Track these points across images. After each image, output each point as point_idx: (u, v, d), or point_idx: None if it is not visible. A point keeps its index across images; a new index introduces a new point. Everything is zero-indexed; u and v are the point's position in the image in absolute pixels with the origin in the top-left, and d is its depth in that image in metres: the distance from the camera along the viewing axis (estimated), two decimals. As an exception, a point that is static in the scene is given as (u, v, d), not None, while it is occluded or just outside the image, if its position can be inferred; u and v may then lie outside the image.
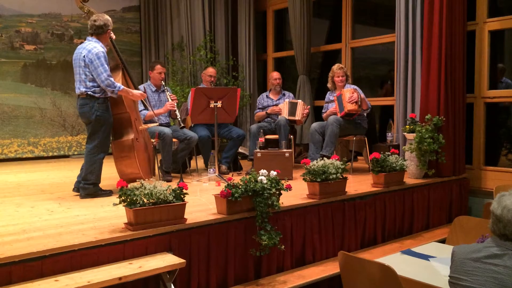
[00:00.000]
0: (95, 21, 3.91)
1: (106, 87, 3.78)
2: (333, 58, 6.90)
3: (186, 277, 2.86)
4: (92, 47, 3.81)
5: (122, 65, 4.27)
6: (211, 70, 5.55)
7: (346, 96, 4.95)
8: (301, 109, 5.47)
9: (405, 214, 4.33)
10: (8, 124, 6.81)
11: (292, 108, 5.51)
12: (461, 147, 4.94)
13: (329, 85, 5.42)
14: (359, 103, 4.93)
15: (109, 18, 3.99)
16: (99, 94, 3.83)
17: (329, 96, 5.50)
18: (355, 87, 5.15)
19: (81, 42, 3.99)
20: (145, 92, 4.70)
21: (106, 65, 3.79)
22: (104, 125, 3.87)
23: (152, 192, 2.78)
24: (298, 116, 5.45)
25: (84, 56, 3.80)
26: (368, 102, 5.11)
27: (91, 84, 3.81)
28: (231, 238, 3.07)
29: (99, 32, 3.92)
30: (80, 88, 3.84)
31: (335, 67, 5.32)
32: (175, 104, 4.96)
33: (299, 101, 5.57)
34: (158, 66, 5.10)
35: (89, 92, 3.81)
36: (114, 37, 4.13)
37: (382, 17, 6.70)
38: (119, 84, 3.85)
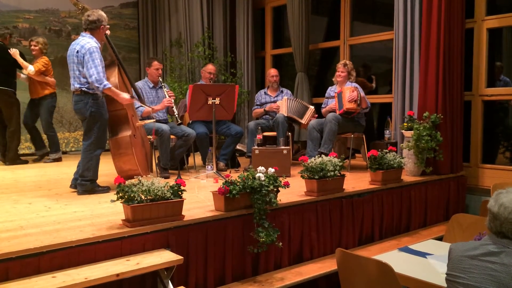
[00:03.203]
0: (88, 16, 3.89)
1: (93, 83, 3.71)
2: (332, 55, 6.90)
3: (184, 273, 2.86)
4: (85, 42, 3.78)
5: (118, 61, 4.25)
6: (210, 67, 5.54)
7: (346, 94, 4.95)
8: (310, 115, 5.49)
9: (402, 212, 4.34)
10: (5, 120, 6.78)
11: (302, 110, 5.52)
12: (459, 145, 4.95)
13: (333, 78, 5.43)
14: (358, 102, 4.93)
15: (103, 14, 3.95)
16: (93, 90, 3.80)
17: (329, 91, 5.50)
18: (356, 85, 5.15)
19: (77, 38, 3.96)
20: (141, 91, 4.68)
21: (97, 61, 3.73)
22: (99, 122, 3.85)
23: (149, 188, 2.78)
24: (305, 120, 5.47)
25: (77, 52, 3.77)
26: (367, 101, 5.12)
27: (85, 80, 3.78)
28: (228, 235, 3.07)
29: (92, 27, 3.89)
30: (74, 85, 3.82)
31: (341, 61, 5.34)
32: (172, 100, 4.95)
33: (312, 107, 5.60)
34: (155, 63, 5.09)
35: (83, 89, 3.79)
36: (109, 32, 4.10)
37: (381, 15, 6.69)
38: (106, 82, 3.77)
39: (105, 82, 3.77)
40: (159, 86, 5.14)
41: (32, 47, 5.95)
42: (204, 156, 5.07)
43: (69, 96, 7.21)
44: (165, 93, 5.01)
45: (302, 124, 5.55)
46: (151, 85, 5.11)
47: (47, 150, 6.21)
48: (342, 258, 2.25)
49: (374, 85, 6.40)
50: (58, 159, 6.15)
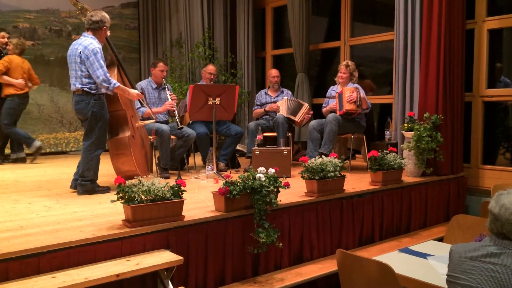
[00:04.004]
0: (92, 16, 3.90)
1: (102, 84, 3.75)
2: (332, 56, 6.90)
3: (184, 274, 2.85)
4: (89, 43, 3.79)
5: (117, 61, 4.25)
6: (211, 68, 5.54)
7: (346, 95, 4.95)
8: (304, 112, 5.48)
9: (403, 212, 4.34)
10: (6, 120, 6.78)
11: (296, 107, 5.51)
12: (459, 146, 4.95)
13: (335, 78, 5.42)
14: (358, 103, 4.92)
15: (106, 15, 3.96)
16: (95, 91, 3.81)
17: (331, 90, 5.50)
18: (358, 86, 5.14)
19: (79, 38, 3.96)
20: (142, 92, 4.68)
21: (102, 62, 3.76)
22: (100, 122, 3.85)
23: (150, 189, 2.78)
24: (298, 118, 5.45)
25: (80, 52, 3.77)
26: (368, 102, 5.11)
27: (87, 80, 3.79)
28: (229, 236, 3.07)
29: (95, 27, 3.89)
30: (75, 85, 3.82)
31: (343, 62, 5.33)
32: (175, 104, 4.95)
33: (306, 104, 5.58)
34: (161, 64, 5.09)
35: (85, 89, 3.79)
36: (109, 33, 4.09)
37: (381, 15, 6.69)
38: (115, 81, 3.82)
39: (114, 81, 3.80)
40: (162, 87, 5.14)
41: (7, 46, 5.91)
42: (204, 157, 5.06)
43: (69, 96, 7.22)
44: (168, 95, 5.01)
45: (295, 122, 5.53)
46: (154, 86, 5.11)
47: (23, 155, 6.07)
48: (342, 259, 2.24)
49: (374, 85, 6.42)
50: (19, 160, 5.99)
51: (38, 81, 6.21)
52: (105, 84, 3.76)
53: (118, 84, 3.85)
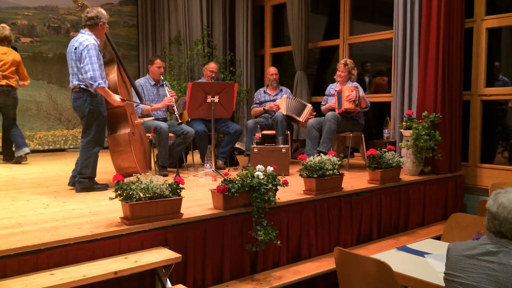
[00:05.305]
0: (88, 12, 3.89)
1: (87, 80, 3.69)
2: (331, 54, 6.89)
3: (182, 272, 2.86)
4: (84, 39, 3.77)
5: (117, 59, 4.23)
6: (213, 66, 5.53)
7: (345, 93, 4.95)
8: (308, 113, 5.48)
9: (401, 211, 4.34)
10: (4, 117, 6.77)
11: (300, 108, 5.51)
12: (457, 144, 4.96)
13: (335, 76, 5.42)
14: (357, 102, 4.92)
15: (103, 11, 3.93)
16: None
17: (329, 88, 5.49)
18: (357, 84, 5.14)
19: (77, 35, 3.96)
20: (143, 90, 4.66)
21: (93, 58, 3.70)
22: (98, 119, 3.84)
23: (148, 186, 2.78)
24: (302, 118, 5.46)
25: (75, 49, 3.76)
26: (367, 100, 5.11)
27: (83, 77, 3.77)
28: (227, 233, 3.07)
29: (91, 23, 3.87)
30: (73, 81, 3.81)
31: (342, 61, 5.33)
32: (174, 100, 4.95)
33: (309, 105, 5.59)
34: (158, 61, 5.08)
35: (82, 86, 3.77)
36: (107, 27, 4.07)
37: (380, 14, 6.69)
38: (101, 81, 3.71)
39: (99, 81, 3.71)
40: (160, 84, 5.13)
41: None
42: (202, 154, 5.06)
43: (68, 93, 7.20)
44: (166, 91, 5.00)
45: (300, 122, 5.54)
46: (153, 83, 5.11)
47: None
48: (340, 257, 2.24)
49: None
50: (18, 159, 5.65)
51: (25, 78, 5.63)
52: (90, 82, 3.69)
53: (104, 86, 3.76)
